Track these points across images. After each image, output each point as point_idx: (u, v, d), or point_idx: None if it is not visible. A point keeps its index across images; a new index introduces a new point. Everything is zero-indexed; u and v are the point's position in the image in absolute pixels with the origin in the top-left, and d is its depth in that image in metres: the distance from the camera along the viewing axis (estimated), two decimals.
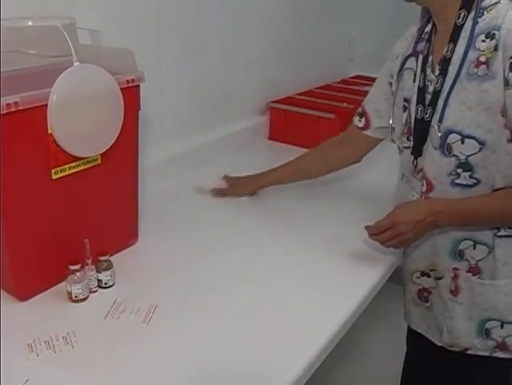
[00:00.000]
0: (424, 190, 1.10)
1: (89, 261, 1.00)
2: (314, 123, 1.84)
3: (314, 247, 1.21)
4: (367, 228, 1.08)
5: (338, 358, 2.10)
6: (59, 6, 1.10)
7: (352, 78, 2.49)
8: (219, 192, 1.45)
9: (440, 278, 1.14)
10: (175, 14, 1.48)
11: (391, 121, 1.19)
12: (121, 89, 0.99)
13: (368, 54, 2.69)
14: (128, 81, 1.02)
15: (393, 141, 1.22)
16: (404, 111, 1.15)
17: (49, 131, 0.91)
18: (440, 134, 1.03)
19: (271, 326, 0.95)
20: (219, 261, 1.14)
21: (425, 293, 1.19)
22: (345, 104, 1.95)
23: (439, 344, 1.18)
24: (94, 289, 1.01)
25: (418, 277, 1.19)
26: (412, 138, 1.12)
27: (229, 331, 0.93)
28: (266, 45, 1.92)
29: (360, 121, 1.29)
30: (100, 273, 1.01)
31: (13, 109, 0.84)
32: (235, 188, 1.46)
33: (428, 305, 1.19)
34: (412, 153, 1.12)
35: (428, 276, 1.17)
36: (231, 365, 0.86)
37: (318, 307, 1.00)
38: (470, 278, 1.09)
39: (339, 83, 2.39)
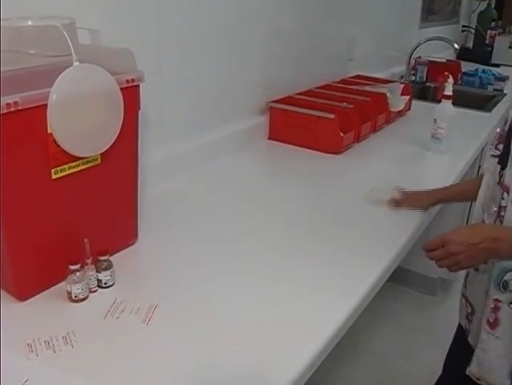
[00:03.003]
0: (503, 205, 1.01)
1: (89, 261, 1.00)
2: (314, 123, 1.84)
3: (314, 247, 1.21)
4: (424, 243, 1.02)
5: (338, 358, 2.10)
6: (59, 6, 1.10)
7: (352, 78, 2.49)
8: (395, 204, 1.39)
9: None
10: (175, 14, 1.48)
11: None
12: (121, 89, 0.99)
13: (368, 54, 2.70)
14: (127, 81, 1.02)
15: None
16: None
17: (49, 131, 0.91)
18: None
19: (271, 326, 0.94)
20: (219, 261, 1.14)
21: (469, 316, 1.12)
22: (345, 104, 1.95)
23: (466, 373, 1.10)
24: (94, 289, 1.01)
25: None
26: (501, 146, 1.03)
27: (229, 331, 0.93)
28: (266, 45, 1.92)
29: None
30: (100, 272, 1.01)
31: (12, 109, 0.84)
32: (409, 200, 1.38)
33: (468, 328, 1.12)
34: (498, 162, 1.04)
35: None
36: (231, 365, 0.86)
37: (318, 307, 1.00)
38: None
39: (339, 82, 2.39)
